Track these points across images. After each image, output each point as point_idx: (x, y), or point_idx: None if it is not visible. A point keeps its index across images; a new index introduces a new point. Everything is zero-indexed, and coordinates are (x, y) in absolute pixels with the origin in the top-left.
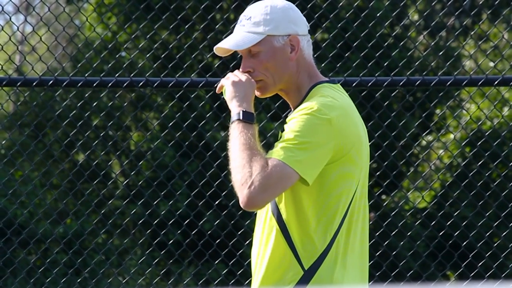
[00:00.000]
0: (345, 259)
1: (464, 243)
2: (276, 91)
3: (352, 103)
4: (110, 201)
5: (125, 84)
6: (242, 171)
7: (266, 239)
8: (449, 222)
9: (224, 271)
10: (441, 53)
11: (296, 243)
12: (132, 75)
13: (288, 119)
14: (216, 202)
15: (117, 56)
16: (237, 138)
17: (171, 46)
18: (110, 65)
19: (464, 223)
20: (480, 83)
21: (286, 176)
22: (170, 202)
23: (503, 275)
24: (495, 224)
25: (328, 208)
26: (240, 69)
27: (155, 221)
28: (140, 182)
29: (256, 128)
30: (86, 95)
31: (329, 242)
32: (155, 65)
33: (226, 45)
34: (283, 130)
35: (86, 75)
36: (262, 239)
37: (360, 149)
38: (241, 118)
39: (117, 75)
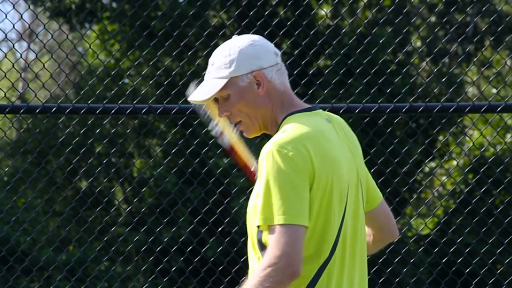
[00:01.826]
0: (340, 285)
1: (467, 270)
2: (262, 130)
3: (328, 128)
4: (113, 228)
5: (128, 111)
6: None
7: (252, 271)
8: (452, 249)
9: None
10: (444, 79)
11: None
12: (135, 102)
13: (259, 167)
14: (219, 229)
15: (120, 83)
16: None
17: (174, 72)
18: (113, 92)
19: (467, 250)
20: (483, 109)
21: (295, 233)
22: (173, 229)
23: None
24: (498, 251)
25: (312, 238)
26: (218, 115)
27: (158, 248)
28: (143, 209)
29: None
30: (89, 122)
31: (316, 271)
32: (158, 92)
33: (195, 98)
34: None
35: (89, 102)
36: (251, 271)
37: (338, 175)
38: None
39: (120, 102)
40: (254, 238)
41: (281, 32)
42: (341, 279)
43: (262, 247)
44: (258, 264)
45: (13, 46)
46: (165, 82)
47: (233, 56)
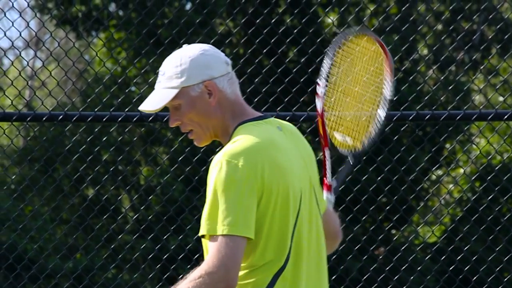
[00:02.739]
0: None
1: (475, 278)
2: (212, 138)
3: (279, 136)
4: (120, 236)
5: (134, 119)
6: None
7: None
8: (459, 257)
9: None
10: (450, 87)
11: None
12: None
13: (208, 179)
14: None
15: (126, 90)
16: None
17: None
18: (119, 99)
19: (474, 258)
20: (489, 117)
21: (232, 245)
22: (180, 237)
23: None
24: (506, 258)
25: (267, 247)
26: (169, 124)
27: (165, 256)
28: (149, 217)
29: None
30: (96, 130)
31: (271, 279)
32: None
33: (146, 107)
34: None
35: (96, 110)
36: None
37: (288, 184)
38: None
39: (126, 110)
40: None
41: (288, 40)
42: (296, 285)
43: None
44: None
45: (20, 54)
46: None
47: (184, 66)
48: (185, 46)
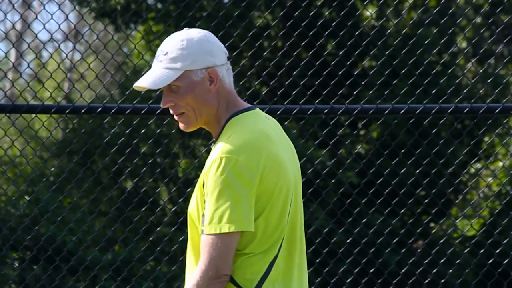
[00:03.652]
0: (287, 279)
1: None
2: (200, 125)
3: (271, 127)
4: (158, 228)
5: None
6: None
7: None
8: (498, 250)
9: None
10: (489, 80)
11: (234, 272)
12: None
13: (206, 173)
14: None
15: None
16: None
17: None
18: (158, 92)
19: None
20: None
21: (229, 242)
22: None
23: None
24: None
25: (263, 237)
26: (161, 104)
27: None
28: None
29: None
30: (134, 122)
31: (267, 267)
32: None
33: (144, 84)
34: (203, 183)
35: (134, 102)
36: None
37: (285, 176)
38: None
39: None
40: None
41: (326, 33)
42: (287, 272)
43: None
44: (194, 270)
45: (59, 46)
46: None
47: (190, 49)
48: (186, 29)
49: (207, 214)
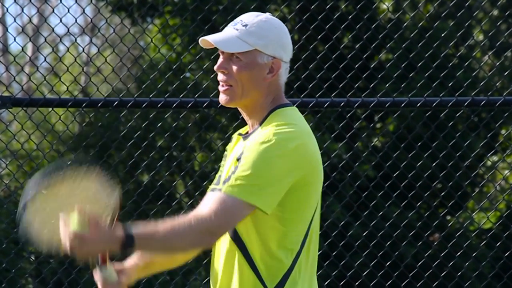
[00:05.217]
0: (305, 275)
1: None
2: (240, 105)
3: (307, 125)
4: None
5: (189, 105)
6: (189, 229)
7: (226, 264)
8: None
9: None
10: (506, 73)
11: (258, 265)
12: (196, 96)
13: (248, 148)
14: None
15: (181, 77)
16: (156, 238)
17: None
18: (174, 86)
19: None
20: None
21: (238, 208)
22: None
23: None
24: None
25: (291, 231)
26: (215, 67)
27: None
28: None
29: None
30: (151, 116)
31: (291, 262)
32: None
33: (213, 41)
34: (240, 156)
35: (151, 96)
36: (223, 265)
37: (319, 172)
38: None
39: (181, 96)
40: None
41: (343, 26)
42: (306, 269)
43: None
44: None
45: (76, 40)
46: None
47: (268, 33)
48: (269, 14)
49: (234, 175)
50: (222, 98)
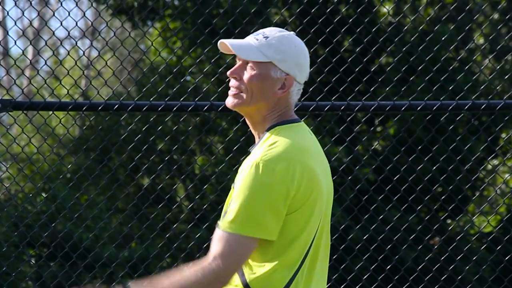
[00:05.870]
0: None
1: None
2: (244, 112)
3: (311, 142)
4: (174, 225)
5: (189, 108)
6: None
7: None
8: None
9: None
10: (506, 76)
11: (252, 285)
12: (196, 99)
13: (239, 176)
14: None
15: (182, 80)
16: None
17: None
18: (175, 89)
19: None
20: None
21: (245, 245)
22: None
23: None
24: None
25: (288, 253)
26: (229, 72)
27: None
28: (204, 206)
29: None
30: (151, 119)
31: (291, 277)
32: (219, 89)
33: (230, 44)
34: (235, 183)
35: (151, 99)
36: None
37: (319, 190)
38: None
39: (181, 99)
40: None
41: (343, 29)
42: (307, 279)
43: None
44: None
45: (76, 43)
46: (227, 80)
47: (287, 49)
48: (292, 33)
49: (230, 209)
50: (229, 101)
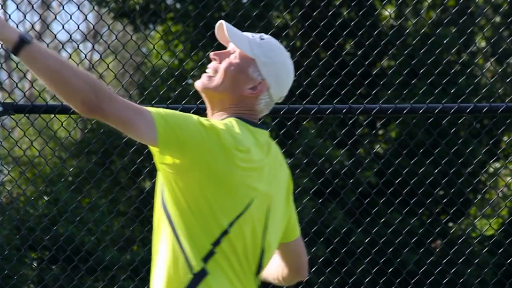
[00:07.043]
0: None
1: None
2: (209, 96)
3: (256, 143)
4: None
5: (191, 111)
6: (86, 76)
7: (161, 242)
8: None
9: None
10: (508, 80)
11: (184, 245)
12: (198, 102)
13: None
14: None
15: (183, 83)
16: (52, 55)
17: None
18: (176, 92)
19: None
20: None
21: (139, 111)
22: None
23: None
24: None
25: (197, 225)
26: (212, 53)
27: None
28: None
29: None
30: None
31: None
32: None
33: (226, 28)
34: None
35: (153, 102)
36: (158, 243)
37: (259, 172)
38: (29, 39)
39: (183, 102)
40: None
41: (345, 33)
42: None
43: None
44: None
45: (78, 47)
46: None
47: (274, 57)
48: (288, 52)
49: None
50: (198, 82)
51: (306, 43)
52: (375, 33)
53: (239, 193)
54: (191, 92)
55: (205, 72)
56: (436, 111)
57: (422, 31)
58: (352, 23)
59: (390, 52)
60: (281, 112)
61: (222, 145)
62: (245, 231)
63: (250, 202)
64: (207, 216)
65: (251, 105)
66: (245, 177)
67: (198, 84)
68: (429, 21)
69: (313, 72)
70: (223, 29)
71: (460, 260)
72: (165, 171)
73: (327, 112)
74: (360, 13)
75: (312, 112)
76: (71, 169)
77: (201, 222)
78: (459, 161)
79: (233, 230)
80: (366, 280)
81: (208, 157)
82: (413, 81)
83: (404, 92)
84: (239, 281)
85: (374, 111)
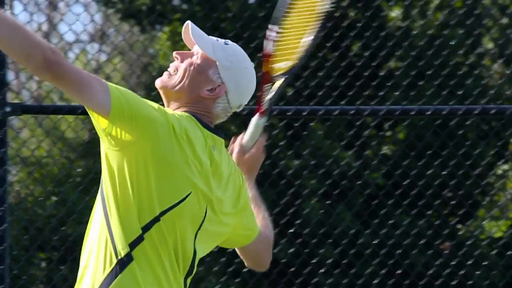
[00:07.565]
0: (150, 272)
1: None
2: (166, 93)
3: (205, 144)
4: None
5: None
6: (38, 39)
7: (92, 228)
8: None
9: None
10: None
11: (113, 229)
12: None
13: None
14: (290, 231)
15: None
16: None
17: None
18: None
19: None
20: None
21: (95, 76)
22: None
23: None
24: None
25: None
26: (175, 52)
27: (230, 249)
28: None
29: None
30: None
31: (140, 233)
32: None
33: (191, 28)
34: None
35: (160, 103)
36: (90, 228)
37: (200, 171)
38: None
39: None
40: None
41: (352, 34)
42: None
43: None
44: None
45: (85, 47)
46: None
47: (236, 62)
48: (251, 62)
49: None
50: (159, 80)
51: None
52: (382, 34)
53: (178, 181)
54: None
55: (166, 71)
56: (444, 113)
57: (429, 32)
58: (359, 25)
59: (398, 53)
60: (289, 114)
61: (170, 128)
62: (176, 225)
63: (186, 196)
64: (143, 198)
65: (208, 107)
66: (186, 168)
67: (158, 82)
68: (436, 23)
69: (320, 74)
70: (188, 30)
71: (469, 262)
72: (109, 149)
73: (335, 114)
74: (367, 14)
75: (320, 113)
76: (79, 170)
77: (136, 203)
78: (467, 163)
79: (165, 220)
80: (375, 282)
81: (156, 135)
82: (420, 83)
83: (412, 93)
84: (166, 279)
85: (382, 112)
